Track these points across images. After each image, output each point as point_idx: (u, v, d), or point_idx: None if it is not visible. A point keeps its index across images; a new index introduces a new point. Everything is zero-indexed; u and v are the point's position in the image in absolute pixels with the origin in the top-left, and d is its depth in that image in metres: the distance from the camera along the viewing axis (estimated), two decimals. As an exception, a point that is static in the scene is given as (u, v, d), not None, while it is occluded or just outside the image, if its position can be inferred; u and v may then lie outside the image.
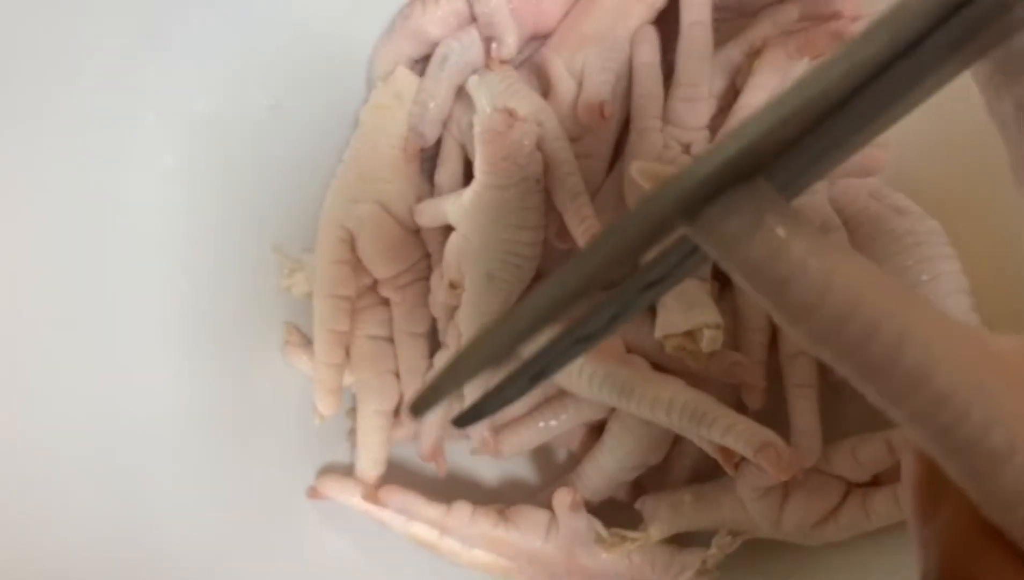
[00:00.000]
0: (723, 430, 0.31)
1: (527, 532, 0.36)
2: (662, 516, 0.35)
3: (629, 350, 0.35)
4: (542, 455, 0.41)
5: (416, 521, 0.36)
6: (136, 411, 0.35)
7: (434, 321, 0.38)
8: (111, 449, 0.34)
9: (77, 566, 0.33)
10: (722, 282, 0.34)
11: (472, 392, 0.34)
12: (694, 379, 0.33)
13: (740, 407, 0.33)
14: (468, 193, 0.34)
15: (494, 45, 0.35)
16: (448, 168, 0.37)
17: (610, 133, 0.35)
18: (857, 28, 0.35)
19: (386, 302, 0.38)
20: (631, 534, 0.35)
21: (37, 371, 0.33)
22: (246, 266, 0.38)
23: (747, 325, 0.34)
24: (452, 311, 0.36)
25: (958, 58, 0.14)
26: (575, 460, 0.39)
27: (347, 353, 0.37)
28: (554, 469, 0.41)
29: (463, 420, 0.22)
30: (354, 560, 0.39)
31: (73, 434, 0.33)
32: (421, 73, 0.37)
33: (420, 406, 0.16)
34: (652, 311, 0.33)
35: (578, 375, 0.33)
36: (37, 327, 0.33)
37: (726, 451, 0.31)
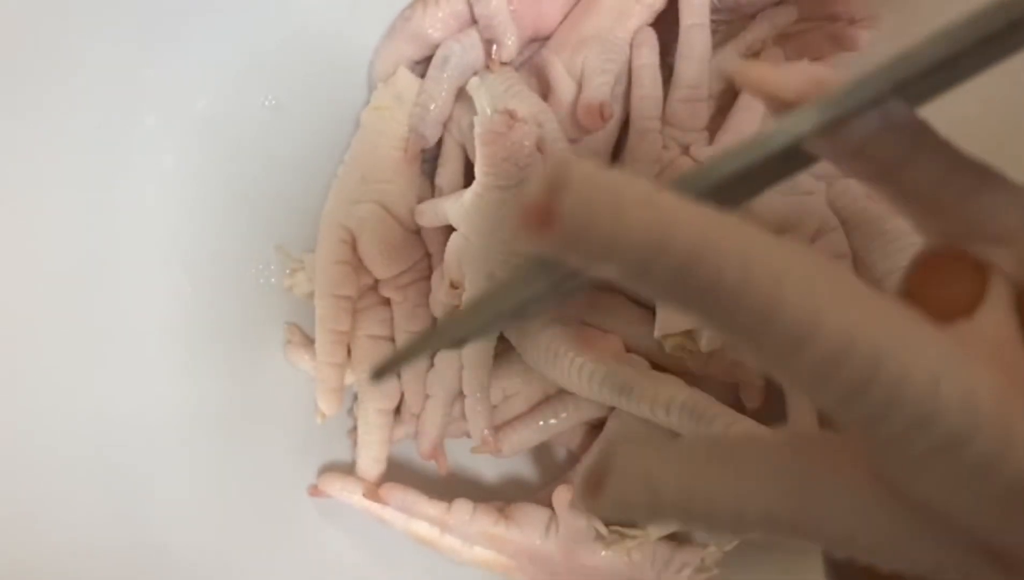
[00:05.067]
0: (722, 428, 0.31)
1: (527, 530, 0.36)
2: (661, 514, 0.35)
3: (628, 349, 0.35)
4: (542, 453, 0.41)
5: (417, 519, 0.37)
6: (138, 410, 0.35)
7: (435, 320, 0.38)
8: (112, 448, 0.34)
9: (78, 565, 0.33)
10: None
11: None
12: (693, 378, 0.33)
13: (739, 406, 0.33)
14: (469, 194, 0.34)
15: (494, 47, 0.35)
16: (449, 169, 0.38)
17: (610, 134, 0.36)
18: (854, 30, 0.35)
19: (387, 302, 0.38)
20: (630, 532, 0.35)
21: (39, 371, 0.33)
22: (248, 266, 0.38)
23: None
24: (453, 311, 0.36)
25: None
26: (575, 458, 0.39)
27: (348, 352, 0.38)
28: (554, 467, 0.41)
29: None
30: (355, 558, 0.39)
31: (74, 433, 0.34)
32: (422, 75, 0.37)
33: (379, 373, 0.16)
34: (652, 311, 0.34)
35: (578, 374, 0.34)
36: (38, 327, 0.33)
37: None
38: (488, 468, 0.41)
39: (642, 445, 0.12)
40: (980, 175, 0.14)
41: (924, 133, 0.14)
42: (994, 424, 0.10)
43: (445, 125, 0.37)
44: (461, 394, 0.37)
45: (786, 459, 0.12)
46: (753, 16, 0.36)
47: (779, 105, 0.14)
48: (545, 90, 0.36)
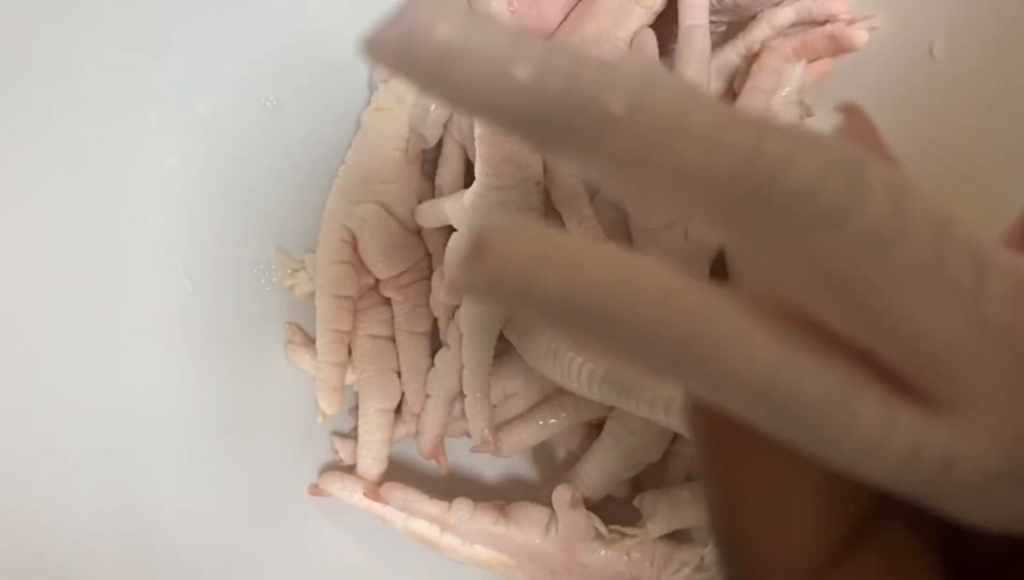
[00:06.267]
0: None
1: (527, 529, 0.36)
2: (660, 513, 0.35)
3: (628, 349, 0.35)
4: (542, 453, 0.41)
5: (417, 518, 0.37)
6: (139, 410, 0.35)
7: (435, 320, 0.38)
8: (113, 448, 0.34)
9: (79, 564, 0.33)
10: (720, 280, 0.34)
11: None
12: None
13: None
14: (469, 194, 0.34)
15: (495, 48, 0.35)
16: (449, 169, 0.38)
17: (609, 135, 0.36)
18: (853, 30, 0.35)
19: (388, 301, 0.38)
20: (630, 531, 0.35)
21: (40, 371, 0.33)
22: (249, 266, 0.39)
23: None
24: (453, 311, 0.36)
25: None
26: (574, 458, 0.39)
27: (349, 352, 0.38)
28: (554, 467, 0.41)
29: None
30: (355, 557, 0.39)
31: (76, 433, 0.34)
32: (422, 75, 0.37)
33: None
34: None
35: (577, 374, 0.34)
36: (39, 327, 0.33)
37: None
38: (488, 468, 0.41)
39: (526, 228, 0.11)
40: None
41: None
42: (883, 198, 0.10)
43: (445, 126, 0.37)
44: (461, 394, 0.37)
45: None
46: (752, 17, 0.36)
47: None
48: (545, 91, 0.36)
